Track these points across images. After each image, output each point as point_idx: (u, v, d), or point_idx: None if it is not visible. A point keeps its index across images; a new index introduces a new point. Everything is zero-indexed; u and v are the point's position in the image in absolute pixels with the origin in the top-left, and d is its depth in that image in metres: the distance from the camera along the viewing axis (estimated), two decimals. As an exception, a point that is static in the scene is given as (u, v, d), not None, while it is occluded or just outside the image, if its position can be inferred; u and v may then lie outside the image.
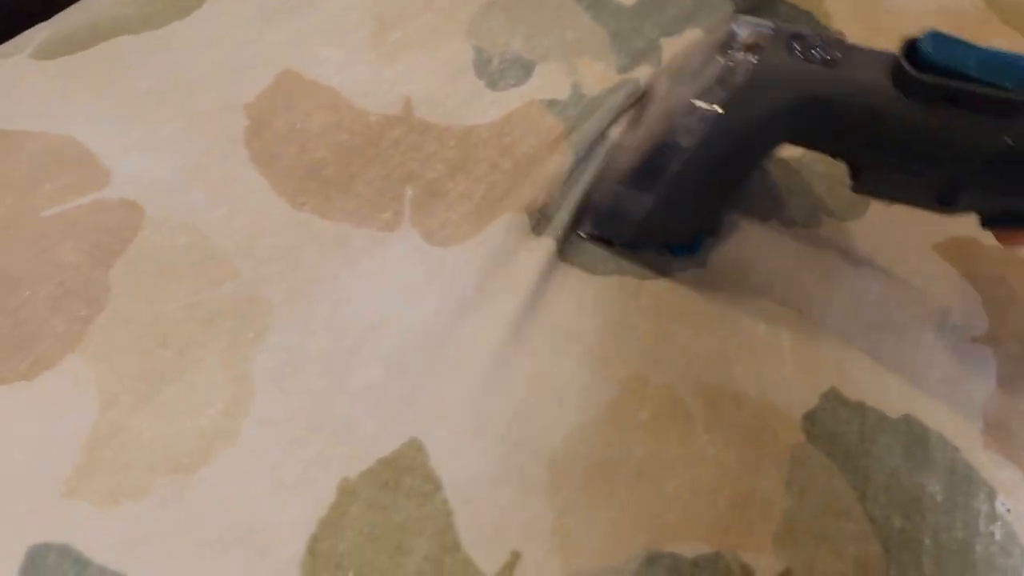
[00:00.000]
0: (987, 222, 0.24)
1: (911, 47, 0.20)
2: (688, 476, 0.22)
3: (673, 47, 0.34)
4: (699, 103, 0.23)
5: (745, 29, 0.23)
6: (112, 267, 0.23)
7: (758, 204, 0.30)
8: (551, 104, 0.31)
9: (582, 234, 0.27)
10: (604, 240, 0.27)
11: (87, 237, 0.24)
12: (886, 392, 0.25)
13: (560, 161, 0.28)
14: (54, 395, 0.21)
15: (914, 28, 0.36)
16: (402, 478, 0.20)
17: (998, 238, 0.25)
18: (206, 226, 0.25)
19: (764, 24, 0.23)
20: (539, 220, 0.27)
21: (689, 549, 0.21)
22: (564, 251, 0.26)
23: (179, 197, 0.25)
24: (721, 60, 0.23)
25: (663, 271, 0.27)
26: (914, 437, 0.25)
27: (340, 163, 0.27)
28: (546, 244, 0.26)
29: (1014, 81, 0.20)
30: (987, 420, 0.26)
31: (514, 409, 0.22)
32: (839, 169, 0.31)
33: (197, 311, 0.23)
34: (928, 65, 0.20)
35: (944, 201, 0.23)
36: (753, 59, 0.22)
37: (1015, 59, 0.20)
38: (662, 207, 0.25)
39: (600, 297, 0.26)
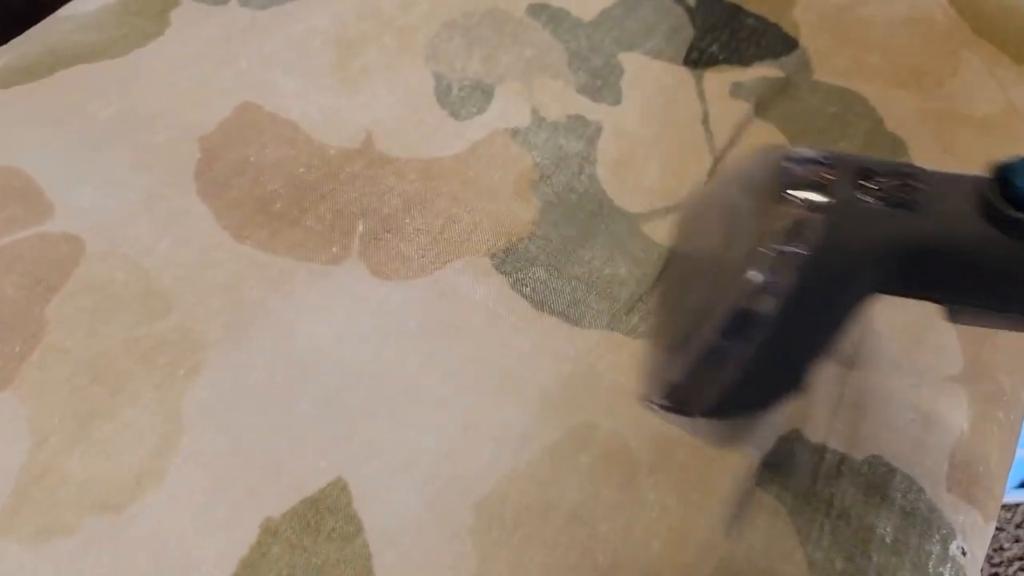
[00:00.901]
0: None
1: (1002, 178, 0.19)
2: (624, 519, 0.22)
3: (632, 62, 0.34)
4: (769, 270, 0.20)
5: (800, 167, 0.20)
6: (50, 302, 0.24)
7: None
8: (514, 133, 0.31)
9: (654, 407, 0.23)
10: (688, 414, 0.23)
11: (28, 271, 0.24)
12: (853, 433, 0.25)
13: (526, 207, 0.29)
14: (-17, 433, 0.21)
15: (883, 37, 0.36)
16: (324, 519, 0.20)
17: None
18: (147, 260, 0.25)
19: (818, 156, 0.20)
20: (503, 261, 0.27)
21: (620, 595, 0.20)
22: (536, 298, 0.26)
23: (122, 230, 0.26)
24: (782, 213, 0.20)
25: (636, 322, 0.26)
26: (876, 478, 0.24)
27: (292, 197, 0.28)
28: (506, 287, 0.26)
29: None
30: (953, 462, 0.25)
31: (447, 450, 0.22)
32: None
33: (133, 347, 0.23)
34: (1021, 197, 0.19)
35: None
36: (822, 213, 0.19)
37: None
38: (751, 375, 0.22)
39: (575, 348, 0.25)
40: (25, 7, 0.35)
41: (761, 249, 0.20)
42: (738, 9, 0.37)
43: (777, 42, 0.36)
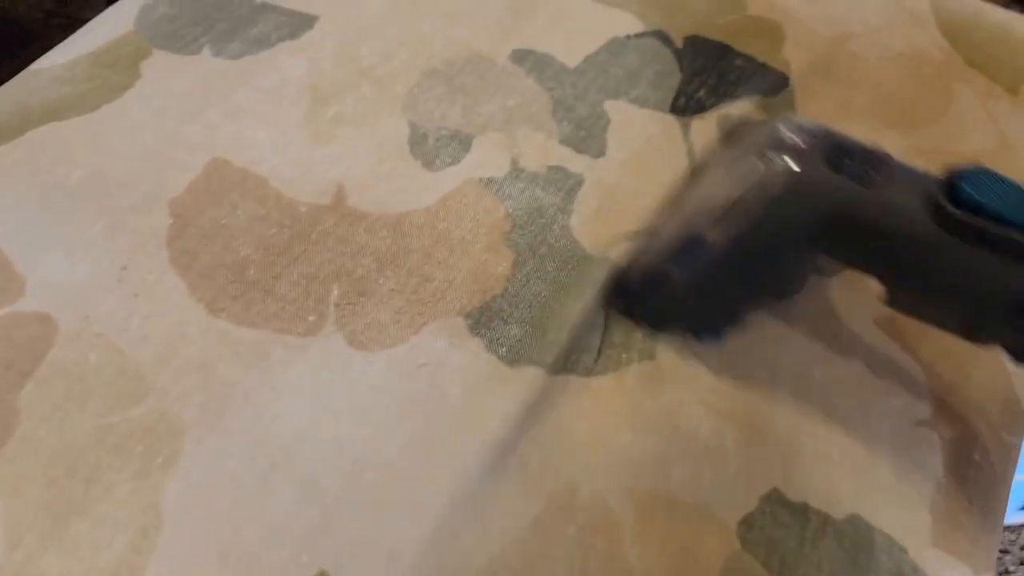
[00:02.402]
0: (1017, 358, 0.24)
1: (953, 182, 0.21)
2: (611, 597, 0.22)
3: (618, 112, 0.35)
4: (731, 207, 0.24)
5: (790, 131, 0.23)
6: (23, 388, 0.24)
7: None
8: (488, 183, 0.31)
9: (612, 311, 0.28)
10: (632, 320, 0.28)
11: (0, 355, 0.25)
12: (832, 491, 0.26)
13: (498, 260, 0.29)
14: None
15: (875, 73, 0.37)
16: (309, 616, 0.21)
17: None
18: (120, 338, 0.25)
19: (812, 127, 0.24)
20: (477, 321, 0.27)
21: None
22: (511, 357, 0.27)
23: (95, 307, 0.26)
24: (760, 163, 0.23)
25: (608, 367, 0.27)
26: (859, 539, 0.25)
27: (265, 262, 0.28)
28: (481, 350, 0.27)
29: None
30: (935, 514, 0.26)
31: (432, 536, 0.22)
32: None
33: (107, 435, 0.23)
34: (967, 201, 0.21)
35: (972, 333, 0.24)
36: (794, 167, 0.23)
37: None
38: (690, 298, 0.25)
39: (542, 400, 0.26)
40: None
41: (727, 194, 0.24)
42: (727, 49, 0.37)
43: (766, 82, 0.36)
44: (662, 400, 0.27)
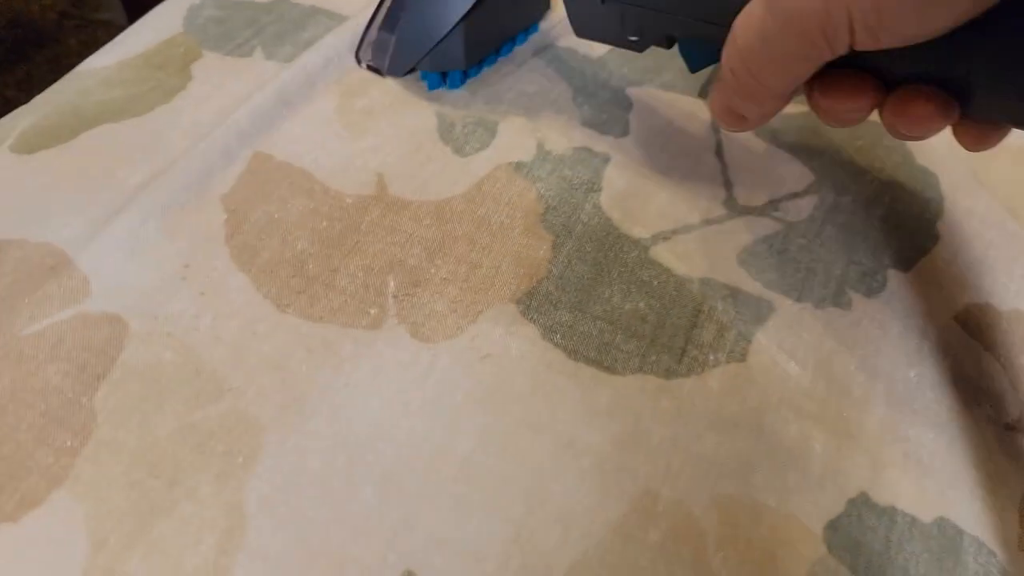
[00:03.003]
0: (686, 59, 0.28)
1: None
2: (699, 602, 0.22)
3: (642, 96, 0.35)
4: None
5: None
6: (98, 390, 0.24)
7: (785, 282, 0.30)
8: (518, 167, 0.31)
9: (363, 66, 0.35)
10: (377, 70, 0.35)
11: (71, 357, 0.25)
12: (921, 493, 0.25)
13: (538, 244, 0.29)
14: (42, 537, 0.21)
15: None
16: (398, 618, 0.21)
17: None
18: (192, 338, 0.25)
19: None
20: (528, 306, 0.28)
21: None
22: (568, 346, 0.27)
23: (163, 306, 0.26)
24: None
25: (692, 368, 0.27)
26: (946, 542, 0.25)
27: (321, 255, 0.28)
28: (538, 338, 0.27)
29: None
30: (1024, 518, 0.26)
31: (515, 535, 0.22)
32: (851, 241, 0.32)
33: (187, 435, 0.23)
34: None
35: (629, 30, 0.29)
36: None
37: None
38: (405, 32, 0.33)
39: (615, 401, 0.26)
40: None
41: None
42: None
43: None
44: (749, 403, 0.26)
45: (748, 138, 0.34)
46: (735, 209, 0.32)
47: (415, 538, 0.22)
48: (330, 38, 0.36)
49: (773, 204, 0.33)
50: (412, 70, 0.34)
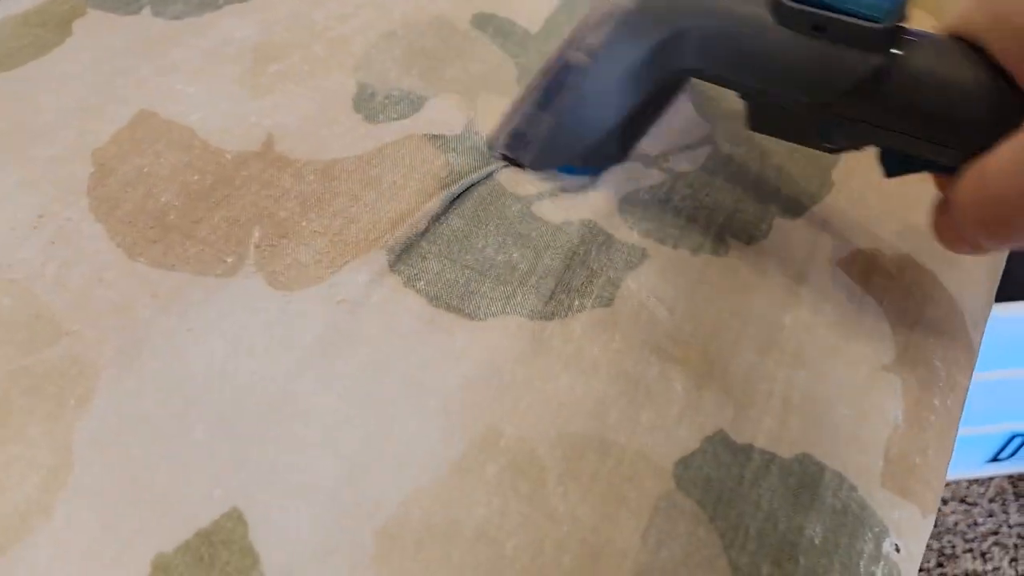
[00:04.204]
0: (885, 167, 0.27)
1: None
2: (532, 534, 0.22)
3: None
4: (586, 27, 0.28)
5: None
6: (-67, 335, 0.24)
7: (663, 230, 0.30)
8: (434, 139, 0.31)
9: (496, 154, 0.31)
10: (515, 161, 0.31)
11: (-93, 304, 0.25)
12: (784, 432, 0.26)
13: (427, 203, 0.29)
14: None
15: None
16: (218, 552, 0.21)
17: (938, 185, 0.27)
18: (36, 284, 0.26)
19: None
20: (398, 259, 0.28)
21: (527, 615, 0.21)
22: (431, 292, 0.27)
23: (10, 254, 0.26)
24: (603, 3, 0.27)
25: (556, 312, 0.27)
26: (806, 478, 0.25)
27: (186, 207, 0.28)
28: (400, 286, 0.27)
29: (881, 12, 0.22)
30: (888, 456, 0.26)
31: (348, 472, 0.23)
32: (739, 191, 0.32)
33: (20, 378, 0.24)
34: None
35: (825, 136, 0.26)
36: None
37: None
38: (559, 129, 0.29)
39: (472, 343, 0.26)
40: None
41: (580, 25, 0.29)
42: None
43: None
44: (611, 346, 0.27)
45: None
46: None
47: (244, 475, 0.22)
48: (258, 3, 0.36)
49: (663, 156, 0.33)
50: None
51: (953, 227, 0.25)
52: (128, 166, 0.29)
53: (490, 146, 0.31)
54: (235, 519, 0.21)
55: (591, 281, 0.28)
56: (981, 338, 0.31)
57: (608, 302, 0.28)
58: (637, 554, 0.22)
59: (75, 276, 0.26)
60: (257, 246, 0.27)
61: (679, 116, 0.35)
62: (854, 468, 0.26)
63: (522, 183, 0.31)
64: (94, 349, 0.24)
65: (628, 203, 0.31)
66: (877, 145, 0.26)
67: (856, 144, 0.26)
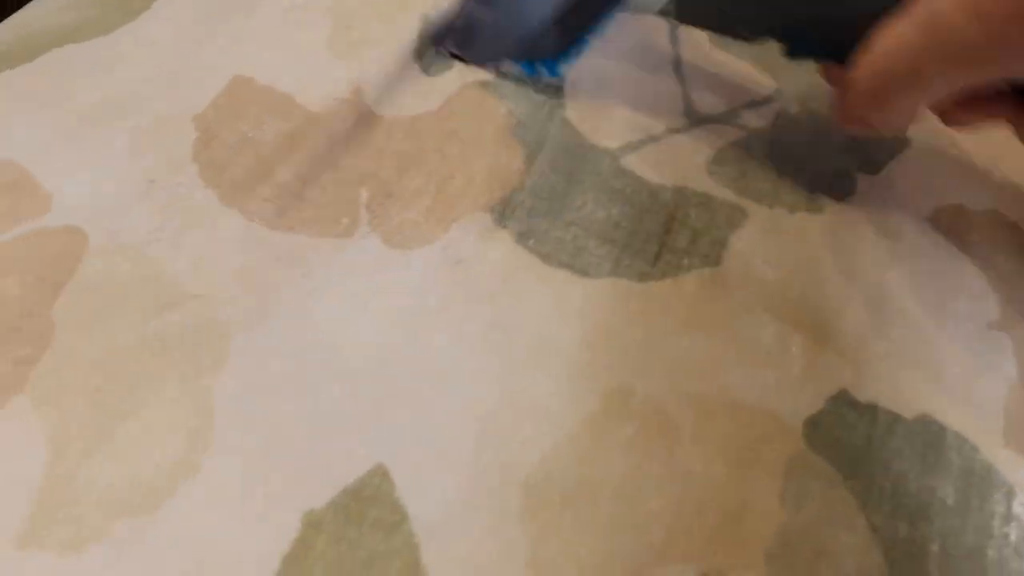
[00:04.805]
0: (789, 52, 0.28)
1: None
2: (673, 493, 0.22)
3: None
4: None
5: None
6: (56, 300, 0.24)
7: (756, 188, 0.30)
8: (484, 85, 0.31)
9: (442, 51, 0.32)
10: (462, 59, 0.31)
11: (30, 269, 0.25)
12: (902, 392, 0.26)
13: (510, 155, 0.29)
14: (0, 443, 0.22)
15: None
16: (367, 509, 0.21)
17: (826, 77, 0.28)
18: (153, 249, 0.25)
19: None
20: (502, 215, 0.28)
21: (676, 571, 0.21)
22: (541, 250, 0.27)
23: (125, 219, 0.26)
24: None
25: (666, 272, 0.27)
26: (930, 438, 0.25)
27: (292, 170, 0.28)
28: (511, 242, 0.27)
29: None
30: (1008, 416, 0.26)
31: (483, 428, 0.23)
32: (816, 146, 0.32)
33: (150, 341, 0.24)
34: None
35: (744, 22, 0.28)
36: None
37: None
38: (503, 20, 0.30)
39: (587, 303, 0.26)
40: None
41: None
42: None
43: None
44: (723, 306, 0.26)
45: (708, 52, 0.34)
46: (695, 118, 0.32)
47: (385, 433, 0.22)
48: None
49: (734, 112, 0.33)
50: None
51: (845, 104, 0.26)
52: (230, 131, 0.29)
53: (435, 43, 0.32)
54: (381, 476, 0.22)
55: (696, 241, 0.28)
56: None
57: (716, 262, 0.28)
58: (778, 514, 0.22)
59: (193, 240, 0.26)
60: (367, 206, 0.27)
61: (742, 76, 0.34)
62: (974, 428, 0.25)
63: (600, 134, 0.31)
64: (222, 311, 0.24)
65: (715, 163, 0.31)
66: (785, 28, 0.27)
67: (766, 29, 0.28)
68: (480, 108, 0.31)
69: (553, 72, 0.32)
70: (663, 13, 0.35)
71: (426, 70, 0.32)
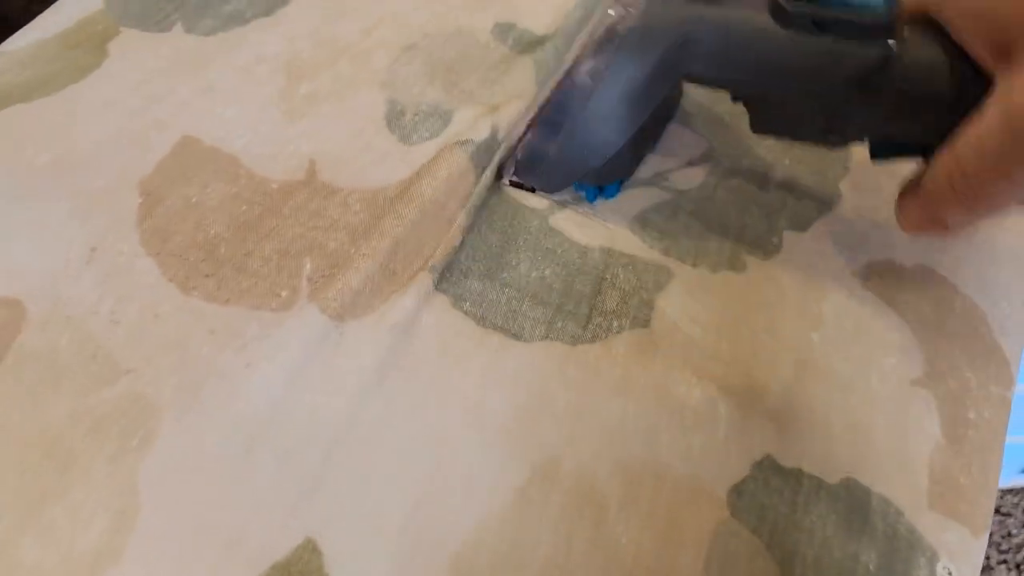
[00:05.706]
0: (874, 154, 0.27)
1: None
2: (600, 565, 0.23)
3: None
4: (595, 50, 0.29)
5: None
6: (-7, 375, 0.24)
7: (680, 248, 0.30)
8: (465, 144, 0.31)
9: (505, 182, 0.31)
10: (526, 187, 0.31)
11: (-35, 344, 0.25)
12: (828, 455, 0.26)
13: (461, 215, 0.30)
14: (-71, 522, 0.22)
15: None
16: (294, 587, 0.21)
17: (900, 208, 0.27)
18: (92, 321, 0.26)
19: None
20: (441, 277, 0.28)
21: (598, 646, 0.21)
22: (476, 313, 0.28)
23: (65, 290, 0.26)
24: (612, 10, 0.28)
25: (597, 335, 0.28)
26: (854, 503, 0.25)
27: (236, 239, 0.28)
28: (448, 307, 0.27)
29: (880, 6, 0.24)
30: (932, 475, 0.26)
31: (416, 500, 0.23)
32: (745, 205, 0.32)
33: (82, 418, 0.24)
34: None
35: (826, 131, 0.27)
36: (633, 9, 0.27)
37: None
38: (568, 151, 0.30)
39: (521, 368, 0.27)
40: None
41: (586, 43, 0.30)
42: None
43: None
44: (653, 368, 0.27)
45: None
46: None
47: (315, 506, 0.23)
48: (282, 17, 0.36)
49: (661, 175, 0.33)
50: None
51: (921, 208, 0.26)
52: (175, 196, 0.29)
53: (500, 175, 0.32)
54: (310, 550, 0.22)
55: (625, 302, 0.29)
56: (1021, 348, 0.31)
57: (644, 323, 0.28)
58: (700, 582, 0.23)
59: (131, 312, 0.26)
60: (310, 278, 0.27)
61: (676, 134, 0.35)
62: (899, 490, 0.26)
63: (528, 196, 0.32)
64: (154, 387, 0.24)
65: (639, 223, 0.31)
66: (873, 134, 0.27)
67: (857, 135, 0.27)
68: (452, 169, 0.30)
69: (611, 194, 0.32)
70: None
71: (404, 139, 0.32)
